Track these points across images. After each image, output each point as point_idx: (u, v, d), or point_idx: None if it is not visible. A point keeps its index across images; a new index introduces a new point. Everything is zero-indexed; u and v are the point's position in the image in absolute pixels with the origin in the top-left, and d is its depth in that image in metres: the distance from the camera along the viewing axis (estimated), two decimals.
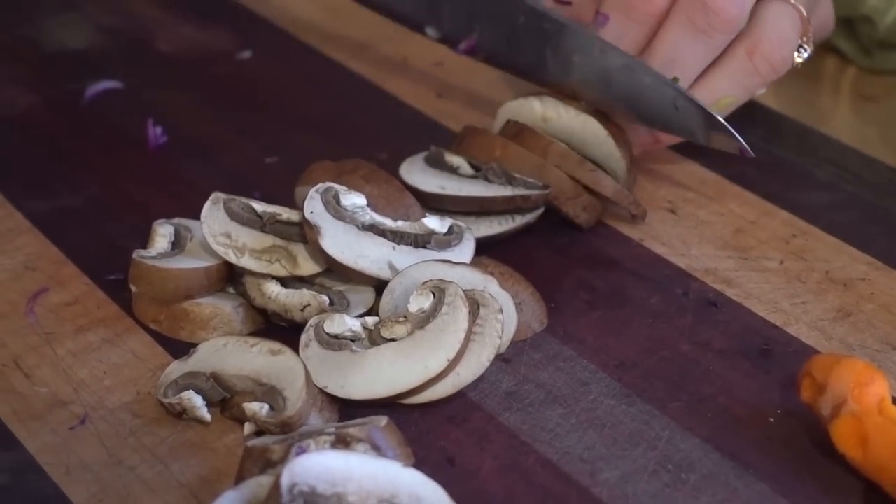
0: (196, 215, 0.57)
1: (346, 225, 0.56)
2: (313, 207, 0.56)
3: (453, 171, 0.62)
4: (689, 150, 0.68)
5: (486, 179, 0.61)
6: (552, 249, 0.62)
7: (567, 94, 0.64)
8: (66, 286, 0.59)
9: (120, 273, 0.59)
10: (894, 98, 0.77)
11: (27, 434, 0.51)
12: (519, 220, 0.62)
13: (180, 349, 0.55)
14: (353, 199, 0.57)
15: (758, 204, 0.65)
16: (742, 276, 0.60)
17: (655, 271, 0.61)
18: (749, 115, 0.72)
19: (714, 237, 0.63)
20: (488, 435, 0.52)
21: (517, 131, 0.63)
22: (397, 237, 0.57)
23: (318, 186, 0.56)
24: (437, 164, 0.63)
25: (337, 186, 0.57)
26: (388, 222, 0.57)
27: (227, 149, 0.68)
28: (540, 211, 0.62)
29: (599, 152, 0.63)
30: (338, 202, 0.56)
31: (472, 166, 0.62)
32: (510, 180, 0.61)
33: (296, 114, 0.73)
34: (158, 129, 0.70)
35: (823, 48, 0.81)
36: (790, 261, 0.61)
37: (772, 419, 0.53)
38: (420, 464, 0.50)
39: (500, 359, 0.55)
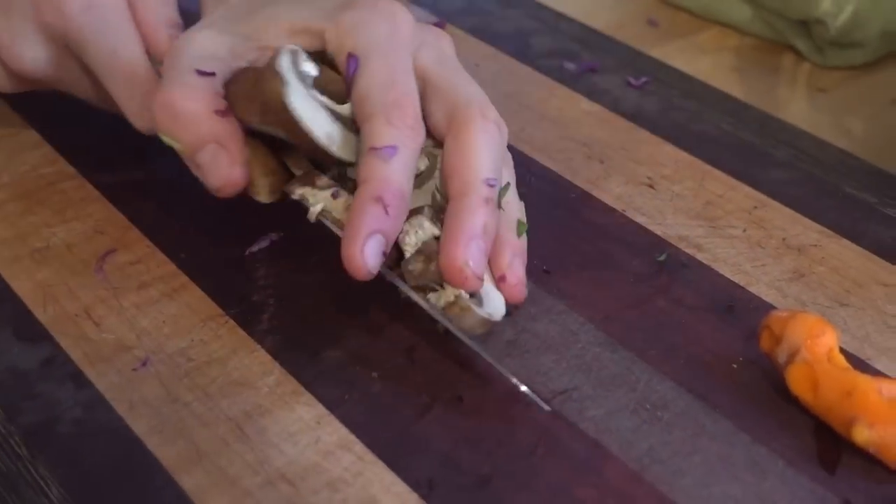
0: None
1: (304, 89, 0.51)
2: (283, 62, 0.51)
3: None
4: (667, 134, 0.68)
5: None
6: (547, 219, 0.61)
7: None
8: (130, 248, 0.59)
9: (174, 236, 0.59)
10: (843, 90, 0.76)
11: (96, 374, 0.51)
12: None
13: (229, 301, 0.55)
14: (308, 68, 0.52)
15: (725, 180, 0.65)
16: (711, 242, 0.60)
17: (637, 238, 0.60)
18: (719, 104, 0.71)
19: (687, 209, 0.62)
20: (490, 377, 0.52)
21: None
22: (334, 115, 0.52)
23: (287, 47, 0.52)
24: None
25: (300, 50, 0.52)
26: (325, 99, 0.52)
27: None
28: None
29: None
30: (297, 66, 0.52)
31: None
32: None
33: None
34: None
35: (782, 46, 0.80)
36: (752, 229, 0.61)
37: (735, 366, 0.52)
38: (433, 401, 0.50)
39: None
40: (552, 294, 0.56)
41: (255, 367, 0.52)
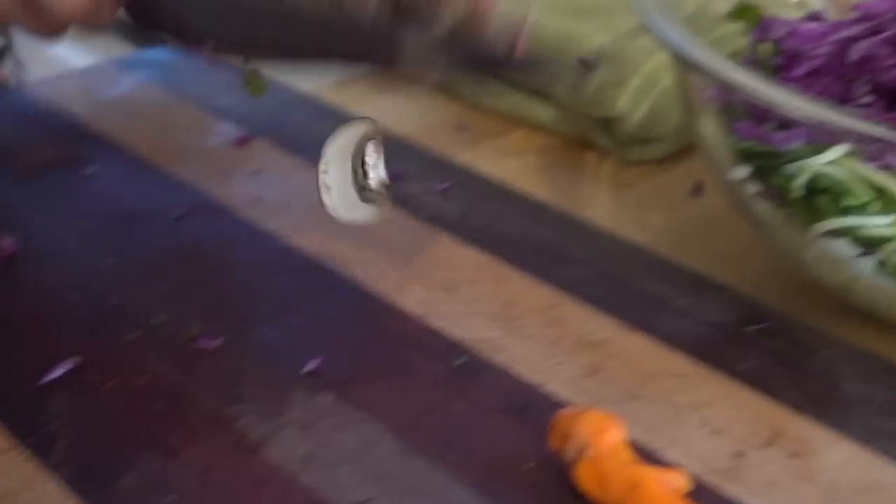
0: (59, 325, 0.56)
1: None
2: None
3: None
4: (467, 238, 0.69)
5: None
6: (348, 329, 0.62)
7: None
8: None
9: None
10: (644, 184, 0.79)
11: None
12: None
13: (23, 432, 0.54)
14: None
15: (523, 281, 0.66)
16: (509, 343, 0.61)
17: (436, 343, 0.61)
18: (520, 206, 0.73)
19: (485, 311, 0.63)
20: (287, 495, 0.51)
21: None
22: None
23: None
24: None
25: None
26: None
27: (78, 256, 0.67)
28: None
29: None
30: None
31: None
32: None
33: None
34: (10, 240, 0.68)
35: (586, 145, 0.82)
36: (550, 328, 0.62)
37: (529, 466, 0.53)
38: None
39: (300, 426, 0.55)
40: (351, 404, 0.57)
41: (49, 498, 0.51)
